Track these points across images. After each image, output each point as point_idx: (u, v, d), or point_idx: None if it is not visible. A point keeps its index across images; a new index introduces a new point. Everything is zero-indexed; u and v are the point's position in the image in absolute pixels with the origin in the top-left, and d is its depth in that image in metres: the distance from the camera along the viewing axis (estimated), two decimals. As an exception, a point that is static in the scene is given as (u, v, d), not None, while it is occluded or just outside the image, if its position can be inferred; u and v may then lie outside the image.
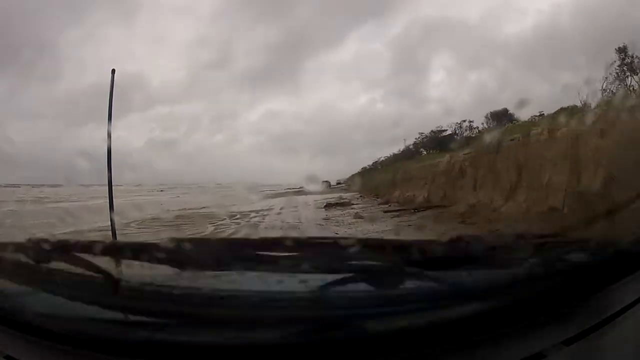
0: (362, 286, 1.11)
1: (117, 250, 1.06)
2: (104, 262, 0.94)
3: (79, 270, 0.90)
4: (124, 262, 1.02)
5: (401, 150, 27.29)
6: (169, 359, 0.68)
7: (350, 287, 1.13)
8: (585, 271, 0.76)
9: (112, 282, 1.13)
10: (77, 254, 0.92)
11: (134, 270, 0.99)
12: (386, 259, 0.95)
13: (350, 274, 1.14)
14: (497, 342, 0.66)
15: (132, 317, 0.93)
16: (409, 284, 1.06)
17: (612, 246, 0.83)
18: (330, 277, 1.17)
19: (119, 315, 0.96)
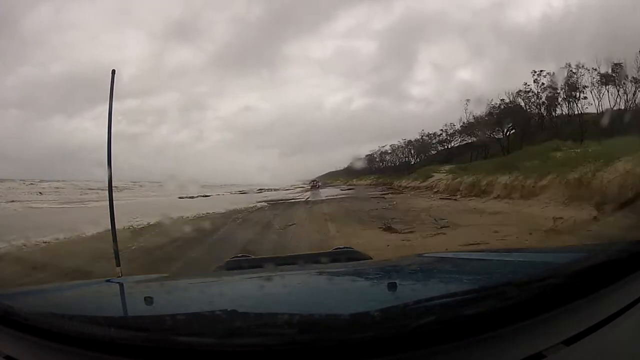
0: (361, 288, 1.11)
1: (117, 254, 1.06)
2: (105, 266, 0.95)
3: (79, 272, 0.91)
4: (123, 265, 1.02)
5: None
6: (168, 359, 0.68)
7: (350, 288, 1.14)
8: (585, 271, 0.76)
9: (112, 284, 1.13)
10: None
11: (133, 273, 0.99)
12: (386, 264, 0.94)
13: (350, 277, 1.14)
14: (497, 342, 0.66)
15: (132, 317, 0.93)
16: (408, 285, 1.06)
17: (611, 246, 0.83)
18: (330, 280, 1.18)
19: (119, 315, 0.96)
